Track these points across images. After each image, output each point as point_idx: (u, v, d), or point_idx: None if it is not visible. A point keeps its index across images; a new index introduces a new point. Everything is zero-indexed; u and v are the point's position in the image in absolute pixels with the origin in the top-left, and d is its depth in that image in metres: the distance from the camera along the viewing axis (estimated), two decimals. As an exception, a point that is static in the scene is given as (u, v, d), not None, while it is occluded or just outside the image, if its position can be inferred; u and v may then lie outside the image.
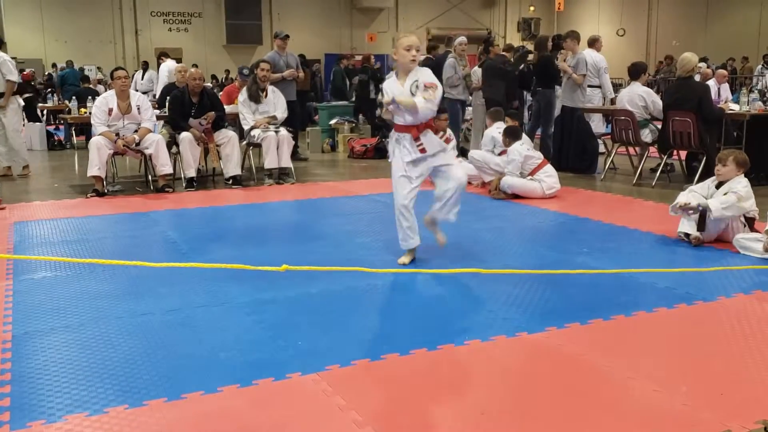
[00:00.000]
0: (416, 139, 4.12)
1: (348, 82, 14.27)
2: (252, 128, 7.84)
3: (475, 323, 3.33)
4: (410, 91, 4.06)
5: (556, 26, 24.41)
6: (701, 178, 5.99)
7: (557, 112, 8.89)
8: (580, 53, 8.56)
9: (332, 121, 11.78)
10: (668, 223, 5.13)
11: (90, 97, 9.52)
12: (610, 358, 2.87)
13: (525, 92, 10.06)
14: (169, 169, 7.31)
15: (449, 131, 7.05)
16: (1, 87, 8.35)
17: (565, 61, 8.45)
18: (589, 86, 8.95)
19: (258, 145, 7.96)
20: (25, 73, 13.95)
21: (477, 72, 9.53)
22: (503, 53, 9.92)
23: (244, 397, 2.56)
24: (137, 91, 9.48)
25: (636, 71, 7.99)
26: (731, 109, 7.52)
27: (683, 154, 7.84)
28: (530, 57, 9.88)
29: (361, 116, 12.45)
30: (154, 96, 11.19)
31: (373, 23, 24.24)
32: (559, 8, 23.02)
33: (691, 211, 4.67)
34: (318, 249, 4.80)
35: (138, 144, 7.18)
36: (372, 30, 23.99)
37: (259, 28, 22.24)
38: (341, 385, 2.63)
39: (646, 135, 7.63)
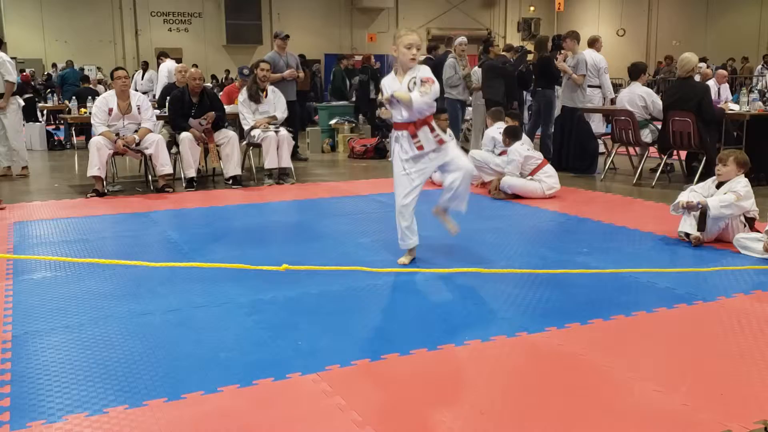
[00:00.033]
0: (413, 135, 4.13)
1: (348, 83, 14.27)
2: (252, 128, 7.85)
3: (475, 323, 3.33)
4: (408, 87, 4.08)
5: (556, 26, 24.43)
6: (701, 178, 6.00)
7: (557, 112, 8.90)
8: (580, 53, 8.57)
9: (332, 121, 11.79)
10: (668, 224, 5.13)
11: (90, 97, 9.52)
12: (610, 358, 2.87)
13: (525, 92, 10.07)
14: (169, 169, 7.31)
15: (449, 131, 7.05)
16: (1, 88, 8.35)
17: (564, 61, 8.46)
18: (589, 86, 8.95)
19: (258, 145, 7.96)
20: (24, 74, 13.97)
21: (477, 72, 9.54)
22: (503, 53, 9.93)
23: (244, 397, 2.56)
24: (137, 91, 9.48)
25: (636, 71, 7.99)
26: (731, 110, 7.51)
27: (683, 154, 7.84)
28: (529, 57, 9.88)
29: (361, 116, 12.46)
30: (154, 96, 11.20)
31: (373, 23, 24.24)
32: (559, 8, 23.04)
33: (692, 209, 4.67)
34: (318, 249, 4.80)
35: (138, 144, 7.18)
36: (372, 30, 23.99)
37: (259, 28, 22.24)
38: (341, 385, 2.63)
39: (646, 135, 7.63)
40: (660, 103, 7.60)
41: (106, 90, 10.80)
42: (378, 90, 4.33)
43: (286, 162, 7.85)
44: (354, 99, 13.17)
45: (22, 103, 9.78)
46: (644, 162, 7.75)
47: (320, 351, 2.97)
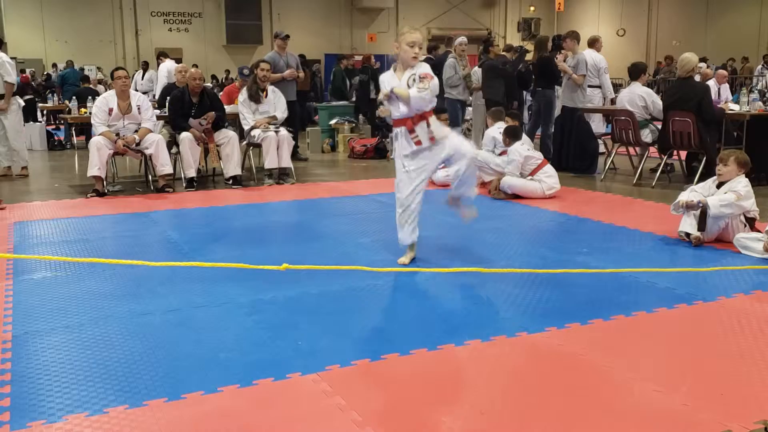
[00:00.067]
0: (411, 131, 4.14)
1: (348, 83, 14.28)
2: (252, 128, 7.85)
3: (475, 323, 3.33)
4: (407, 84, 4.10)
5: (556, 26, 24.43)
6: (701, 178, 6.00)
7: (557, 112, 8.90)
8: (580, 53, 8.57)
9: (332, 121, 11.79)
10: (669, 224, 5.13)
11: (90, 97, 9.52)
12: (610, 358, 2.87)
13: (525, 92, 10.07)
14: (169, 169, 7.31)
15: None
16: (0, 89, 8.35)
17: (564, 61, 8.45)
18: (589, 86, 8.95)
19: (258, 145, 7.96)
20: (23, 75, 13.97)
21: (477, 72, 9.54)
22: (503, 53, 9.93)
23: (244, 397, 2.56)
24: (137, 91, 9.48)
25: (636, 71, 7.99)
26: (731, 110, 7.52)
27: (683, 154, 7.84)
28: (528, 57, 9.88)
29: (361, 116, 12.46)
30: (154, 96, 11.20)
31: (373, 23, 24.25)
32: (559, 8, 23.04)
33: (693, 208, 4.67)
34: (318, 249, 4.80)
35: (138, 144, 7.18)
36: (372, 30, 23.99)
37: (259, 28, 22.24)
38: (341, 385, 2.63)
39: (646, 135, 7.63)
40: (660, 103, 7.60)
41: (106, 90, 10.80)
42: (378, 90, 4.34)
43: (286, 162, 7.85)
44: (354, 99, 13.17)
45: (23, 104, 9.79)
46: (644, 162, 7.75)
47: (320, 351, 2.97)
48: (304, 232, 5.53)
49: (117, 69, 7.56)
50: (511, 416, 2.40)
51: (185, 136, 7.42)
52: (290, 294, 3.76)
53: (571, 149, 8.44)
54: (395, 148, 4.30)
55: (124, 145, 7.11)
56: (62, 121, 12.76)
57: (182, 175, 7.56)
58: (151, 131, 7.33)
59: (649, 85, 10.21)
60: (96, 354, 2.95)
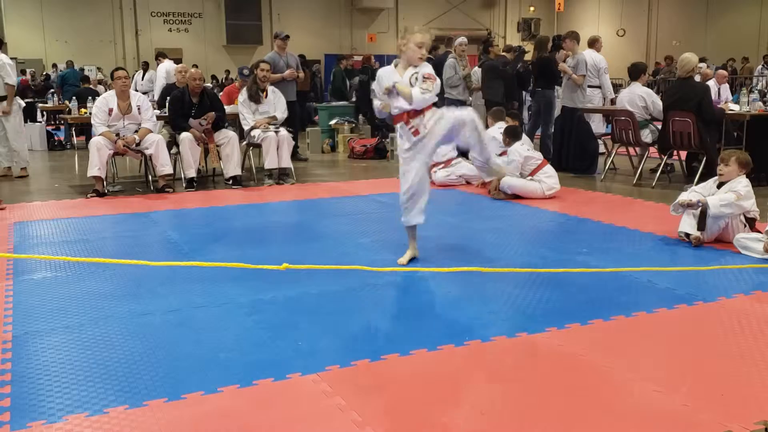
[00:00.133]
0: (407, 123, 4.16)
1: (348, 83, 14.28)
2: (252, 128, 7.85)
3: (475, 323, 3.33)
4: (409, 82, 4.11)
5: (556, 26, 24.43)
6: (701, 179, 6.00)
7: (557, 112, 8.90)
8: (579, 54, 8.57)
9: (332, 122, 11.79)
10: (669, 224, 5.13)
11: (90, 98, 9.52)
12: (610, 358, 2.87)
13: (524, 92, 10.07)
14: (169, 170, 7.31)
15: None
16: (1, 90, 8.34)
17: (564, 61, 8.45)
18: (589, 86, 8.95)
19: (258, 146, 7.96)
20: (23, 78, 13.96)
21: (477, 72, 9.54)
22: (503, 54, 9.93)
23: (244, 397, 2.56)
24: (137, 91, 9.48)
25: (636, 72, 7.99)
26: (731, 110, 7.52)
27: (683, 154, 7.84)
28: (527, 57, 9.88)
29: (361, 116, 12.45)
30: (153, 97, 11.19)
31: (373, 23, 24.24)
32: (559, 8, 23.03)
33: (692, 208, 4.67)
34: (318, 249, 4.80)
35: (138, 144, 7.18)
36: (372, 30, 23.99)
37: (259, 28, 22.24)
38: (341, 386, 2.63)
39: (646, 135, 7.63)
40: (660, 103, 7.60)
41: (106, 90, 10.80)
42: (378, 90, 4.34)
43: (286, 162, 7.85)
44: (354, 99, 13.17)
45: (23, 104, 9.79)
46: (644, 162, 7.75)
47: (320, 351, 2.97)
48: (304, 232, 5.53)
49: (117, 69, 7.56)
50: (511, 416, 2.40)
51: (185, 137, 7.42)
52: (290, 294, 3.76)
53: (571, 149, 8.44)
54: (398, 145, 4.34)
55: (124, 146, 7.11)
56: (62, 122, 12.75)
57: (182, 176, 7.56)
58: (151, 131, 7.33)
59: (649, 85, 10.21)
60: (96, 354, 2.95)
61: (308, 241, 5.11)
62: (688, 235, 4.73)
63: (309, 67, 15.96)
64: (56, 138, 12.55)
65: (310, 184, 7.96)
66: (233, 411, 2.45)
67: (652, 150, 7.90)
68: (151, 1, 21.49)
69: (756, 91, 9.45)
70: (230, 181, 7.65)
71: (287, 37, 9.89)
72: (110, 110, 7.16)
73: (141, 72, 15.05)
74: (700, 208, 4.64)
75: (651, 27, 25.12)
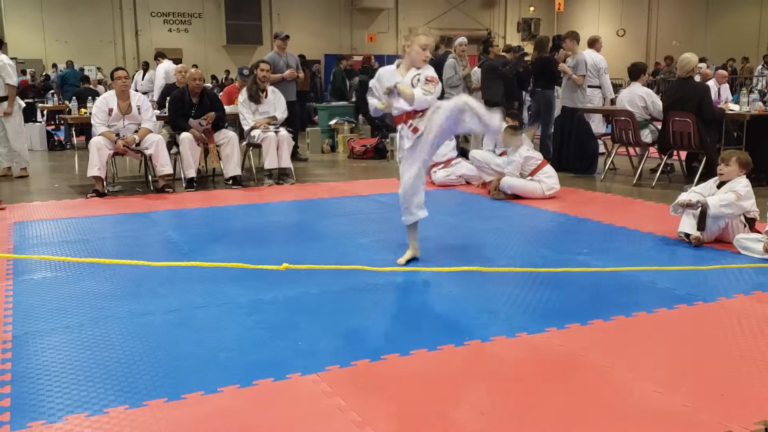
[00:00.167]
0: (405, 122, 4.17)
1: (348, 83, 14.27)
2: (252, 128, 7.85)
3: (475, 323, 3.33)
4: (411, 83, 4.11)
5: (556, 26, 24.43)
6: (701, 179, 6.00)
7: (557, 112, 8.89)
8: (579, 54, 8.57)
9: (332, 122, 11.79)
10: (669, 224, 5.13)
11: (90, 98, 9.52)
12: (610, 358, 2.87)
13: (524, 93, 10.07)
14: (169, 170, 7.31)
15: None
16: (1, 91, 8.34)
17: (564, 61, 8.45)
18: (589, 87, 8.95)
19: (258, 146, 7.96)
20: (22, 80, 13.96)
21: (477, 72, 9.54)
22: (503, 54, 9.93)
23: (244, 397, 2.56)
24: (137, 91, 9.48)
25: (636, 72, 7.99)
26: (731, 110, 7.52)
27: (683, 154, 7.84)
28: (526, 57, 9.88)
29: (361, 116, 12.45)
30: (152, 97, 11.19)
31: (373, 23, 24.25)
32: (559, 8, 23.03)
33: (692, 208, 4.67)
34: (318, 249, 4.80)
35: (138, 144, 7.18)
36: (372, 30, 24.00)
37: (259, 28, 22.24)
38: (341, 386, 2.63)
39: (646, 135, 7.63)
40: (660, 103, 7.60)
41: (106, 90, 10.80)
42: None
43: (286, 162, 7.85)
44: (354, 99, 13.16)
45: (23, 105, 9.79)
46: (644, 162, 7.75)
47: (320, 351, 2.97)
48: (304, 232, 5.53)
49: (117, 69, 7.56)
50: (511, 416, 2.40)
51: (185, 137, 7.42)
52: (290, 294, 3.76)
53: (571, 149, 8.44)
54: (399, 146, 4.34)
55: (124, 146, 7.11)
56: (62, 122, 12.75)
57: (182, 176, 7.56)
58: (151, 131, 7.33)
59: (649, 85, 10.21)
60: (96, 354, 2.95)
61: (308, 241, 5.11)
62: (688, 235, 4.73)
63: (309, 67, 15.96)
64: (56, 138, 12.55)
65: (310, 184, 7.96)
66: (233, 411, 2.45)
67: (652, 150, 7.90)
68: (151, 1, 21.50)
69: (756, 91, 9.46)
70: (230, 181, 7.65)
71: (287, 37, 9.89)
72: (110, 110, 7.16)
73: (141, 72, 15.04)
74: (699, 209, 4.64)
75: (651, 27, 25.12)
